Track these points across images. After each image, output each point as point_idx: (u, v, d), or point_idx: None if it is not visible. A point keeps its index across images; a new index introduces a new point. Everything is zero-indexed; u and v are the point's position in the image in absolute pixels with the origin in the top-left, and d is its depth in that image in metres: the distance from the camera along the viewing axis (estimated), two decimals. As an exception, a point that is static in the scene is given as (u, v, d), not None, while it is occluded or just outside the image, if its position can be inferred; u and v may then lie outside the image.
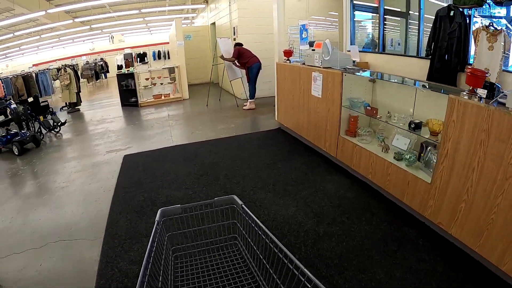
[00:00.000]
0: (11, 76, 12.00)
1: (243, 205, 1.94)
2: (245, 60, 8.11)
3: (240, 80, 9.19)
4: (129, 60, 17.22)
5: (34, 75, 12.80)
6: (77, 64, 19.23)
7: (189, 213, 1.99)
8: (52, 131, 8.58)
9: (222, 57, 8.41)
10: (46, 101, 9.07)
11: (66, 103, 11.56)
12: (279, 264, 1.68)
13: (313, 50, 5.06)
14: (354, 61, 5.26)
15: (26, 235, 3.69)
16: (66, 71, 11.00)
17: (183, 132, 7.17)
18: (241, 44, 8.44)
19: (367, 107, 4.07)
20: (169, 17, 19.01)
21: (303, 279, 1.41)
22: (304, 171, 4.63)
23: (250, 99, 8.30)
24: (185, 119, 8.20)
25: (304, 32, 6.44)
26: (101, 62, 21.43)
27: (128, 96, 10.67)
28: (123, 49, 22.73)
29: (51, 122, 8.40)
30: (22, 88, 11.62)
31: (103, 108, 11.78)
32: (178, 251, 2.26)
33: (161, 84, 11.12)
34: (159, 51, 22.58)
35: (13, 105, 7.32)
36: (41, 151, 7.19)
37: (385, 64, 5.87)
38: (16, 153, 7.08)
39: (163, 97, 10.71)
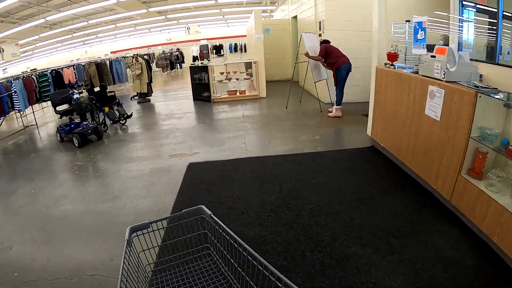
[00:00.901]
0: (84, 63, 11.85)
1: (211, 215, 1.92)
2: (333, 60, 6.84)
3: (325, 81, 7.96)
4: (203, 52, 16.69)
5: (108, 62, 12.61)
6: (153, 54, 19.17)
7: (159, 228, 1.91)
8: (117, 123, 8.02)
9: (307, 54, 7.22)
10: (113, 91, 8.57)
11: (137, 92, 11.16)
12: (254, 271, 1.58)
13: (433, 56, 3.69)
14: (481, 75, 3.79)
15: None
16: (138, 61, 10.54)
17: (259, 140, 6.11)
18: (328, 42, 7.17)
19: (509, 146, 2.67)
20: (247, 9, 18.22)
21: (281, 285, 1.41)
22: (409, 216, 3.28)
23: (336, 105, 7.02)
24: (261, 123, 7.12)
25: (420, 32, 5.01)
26: (177, 53, 21.33)
27: (201, 90, 9.87)
28: (199, 40, 22.55)
29: (116, 113, 7.84)
30: (95, 75, 11.40)
31: (174, 100, 11.19)
32: (153, 268, 2.12)
33: (237, 79, 10.20)
34: (235, 44, 21.97)
35: (76, 95, 6.80)
36: (102, 146, 6.63)
37: (505, 79, 4.27)
38: (76, 145, 6.66)
39: (238, 94, 9.76)
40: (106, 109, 7.63)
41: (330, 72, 7.28)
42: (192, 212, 2.01)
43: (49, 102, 8.73)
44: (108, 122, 7.80)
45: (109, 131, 7.65)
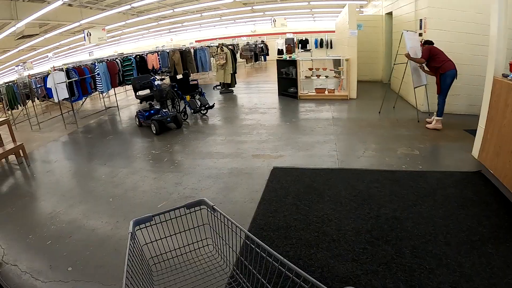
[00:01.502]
0: (169, 50, 11.71)
1: (214, 206, 1.89)
2: (438, 64, 5.61)
3: (424, 87, 6.72)
4: (291, 45, 15.94)
5: (192, 51, 12.39)
6: (237, 44, 18.87)
7: (162, 221, 1.88)
8: (198, 113, 7.56)
9: (407, 55, 6.07)
10: (196, 80, 8.14)
11: (220, 82, 10.73)
12: (257, 259, 1.57)
13: None
14: None
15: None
16: (223, 51, 10.07)
17: (351, 148, 5.10)
18: (431, 43, 5.96)
19: None
20: (337, 3, 17.06)
21: (284, 270, 1.38)
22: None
23: (437, 116, 5.78)
24: (353, 128, 6.09)
25: None
26: (262, 45, 20.82)
27: (287, 85, 9.08)
28: (284, 33, 21.84)
29: (198, 103, 7.38)
30: (178, 63, 11.21)
31: (257, 93, 10.57)
32: (156, 261, 2.05)
33: (326, 77, 9.26)
34: (321, 39, 20.92)
35: (157, 82, 6.41)
36: (180, 135, 6.20)
37: None
38: (154, 132, 6.32)
39: (326, 92, 8.83)
40: (188, 97, 7.18)
41: (430, 78, 6.08)
42: (194, 204, 1.97)
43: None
44: (188, 111, 7.36)
45: (188, 120, 7.21)
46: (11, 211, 3.97)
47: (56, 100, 7.84)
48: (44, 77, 8.41)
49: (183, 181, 4.20)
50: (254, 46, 19.60)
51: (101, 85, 8.16)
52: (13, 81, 11.71)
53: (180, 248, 2.08)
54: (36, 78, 10.67)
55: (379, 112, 6.92)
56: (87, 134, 7.17)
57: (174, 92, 6.79)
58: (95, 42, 12.02)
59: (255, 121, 6.75)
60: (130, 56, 9.41)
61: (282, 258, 1.38)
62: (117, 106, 9.28)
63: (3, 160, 5.96)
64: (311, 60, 10.43)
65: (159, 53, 10.75)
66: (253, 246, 1.58)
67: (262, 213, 3.26)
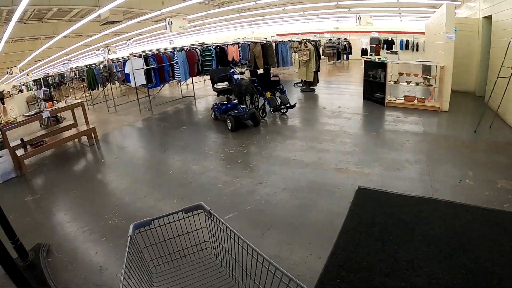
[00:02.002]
0: (250, 42, 11.33)
1: (210, 211, 1.92)
2: None
3: None
4: (378, 45, 14.83)
5: (274, 44, 11.90)
6: (319, 41, 18.10)
7: (161, 225, 1.92)
8: (278, 112, 7.05)
9: None
10: (278, 76, 7.58)
11: (301, 80, 10.14)
12: (255, 266, 1.56)
13: None
14: None
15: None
16: (307, 47, 9.43)
17: (445, 173, 4.16)
18: None
19: None
20: (428, 2, 15.47)
21: (280, 278, 1.41)
22: None
23: None
24: (446, 147, 5.10)
25: None
26: (345, 43, 19.72)
27: (373, 89, 8.19)
28: (369, 32, 20.54)
29: (278, 101, 6.87)
30: (259, 56, 10.77)
31: (340, 95, 9.78)
32: (156, 263, 2.08)
33: (416, 84, 8.20)
34: (407, 41, 19.34)
35: (236, 76, 5.99)
36: (257, 135, 5.77)
37: None
38: (229, 128, 5.97)
39: (416, 101, 7.82)
40: (268, 94, 6.69)
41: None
42: (192, 208, 2.00)
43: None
44: (267, 108, 6.88)
45: (266, 119, 6.73)
46: (73, 195, 4.03)
47: (133, 86, 7.85)
48: (124, 62, 8.53)
49: (257, 191, 3.74)
50: (337, 43, 18.66)
51: (179, 74, 8.06)
52: (94, 64, 12.28)
53: (179, 251, 2.11)
54: (118, 62, 11.00)
55: (475, 131, 5.85)
56: (161, 122, 7.04)
57: (253, 87, 6.36)
58: (176, 31, 12.06)
59: (338, 127, 6.06)
60: (210, 46, 9.17)
61: (277, 265, 1.40)
62: (194, 96, 9.14)
63: (76, 139, 6.27)
64: (399, 63, 9.42)
65: (240, 45, 10.41)
66: (249, 252, 1.60)
67: (343, 246, 2.69)
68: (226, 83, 6.43)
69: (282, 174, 4.13)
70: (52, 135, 6.15)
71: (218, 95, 6.89)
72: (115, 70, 10.80)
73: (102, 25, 18.11)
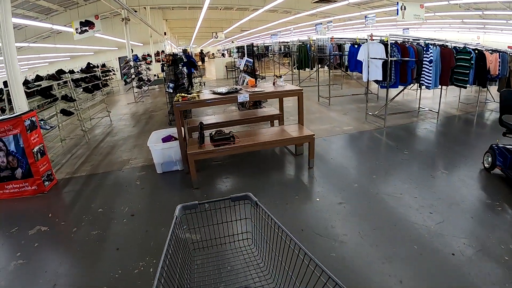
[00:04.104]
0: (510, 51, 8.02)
1: (257, 202, 1.88)
2: None
3: None
4: None
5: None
6: None
7: (206, 209, 1.94)
8: None
9: None
10: None
11: None
12: (295, 262, 1.50)
13: None
14: None
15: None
16: None
17: None
18: None
19: None
20: None
21: (319, 275, 1.31)
22: None
23: None
24: None
25: None
26: None
27: None
28: None
29: None
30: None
31: None
32: (196, 246, 2.11)
33: None
34: None
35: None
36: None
37: None
38: None
39: None
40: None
41: None
42: (239, 197, 1.97)
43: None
44: None
45: None
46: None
47: (364, 79, 6.06)
48: (337, 45, 6.75)
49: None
50: None
51: (429, 78, 5.69)
52: (308, 41, 11.02)
53: (221, 238, 2.07)
54: (333, 44, 9.46)
55: None
56: (396, 141, 5.05)
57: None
58: (409, 19, 9.84)
59: None
60: (468, 47, 6.49)
61: (321, 264, 1.31)
62: (438, 113, 6.54)
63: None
64: None
65: (500, 54, 7.37)
66: (292, 248, 1.52)
67: None
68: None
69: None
70: (247, 128, 4.79)
71: (506, 133, 4.10)
72: (328, 53, 9.41)
73: (314, 2, 17.15)
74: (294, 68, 11.71)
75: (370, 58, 5.68)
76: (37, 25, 12.50)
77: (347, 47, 8.97)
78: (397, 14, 9.35)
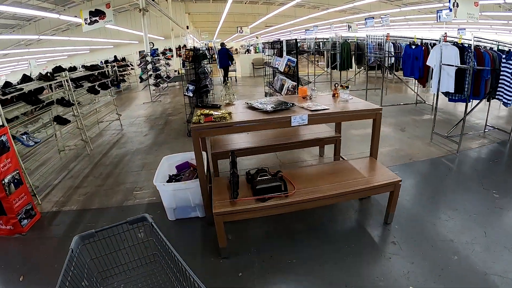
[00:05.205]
0: None
1: (152, 223, 1.84)
2: None
3: None
4: None
5: None
6: None
7: (105, 236, 1.82)
8: None
9: None
10: None
11: None
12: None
13: None
14: None
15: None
16: None
17: None
18: None
19: None
20: None
21: None
22: None
23: None
24: None
25: None
26: None
27: None
28: None
29: None
30: None
31: None
32: (104, 276, 1.97)
33: None
34: None
35: None
36: None
37: None
38: None
39: None
40: None
41: None
42: (136, 220, 1.91)
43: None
44: None
45: None
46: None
47: (433, 90, 4.81)
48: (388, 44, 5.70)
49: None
50: None
51: (510, 93, 4.45)
52: (352, 38, 9.90)
53: (127, 263, 1.98)
54: (372, 42, 8.32)
55: None
56: (478, 176, 3.77)
57: None
58: (462, 18, 8.52)
59: None
60: None
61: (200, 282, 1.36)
62: (511, 134, 5.01)
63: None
64: None
65: None
66: (187, 270, 1.51)
67: None
68: None
69: None
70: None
71: None
72: (367, 52, 8.24)
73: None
74: (333, 68, 10.37)
75: (443, 64, 4.43)
76: (45, 15, 11.67)
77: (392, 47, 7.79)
78: (450, 11, 8.12)
